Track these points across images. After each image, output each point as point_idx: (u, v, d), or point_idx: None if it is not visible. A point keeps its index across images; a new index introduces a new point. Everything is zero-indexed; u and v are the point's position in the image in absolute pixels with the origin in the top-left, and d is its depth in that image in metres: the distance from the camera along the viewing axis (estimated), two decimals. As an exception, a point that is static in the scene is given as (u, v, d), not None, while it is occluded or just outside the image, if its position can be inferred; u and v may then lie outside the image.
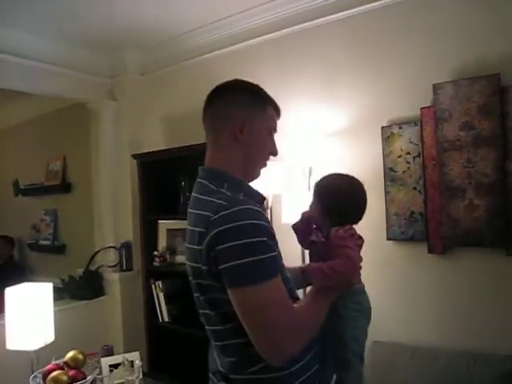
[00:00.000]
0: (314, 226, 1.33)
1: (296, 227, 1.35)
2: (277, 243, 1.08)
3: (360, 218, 1.30)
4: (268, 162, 1.25)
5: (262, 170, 1.24)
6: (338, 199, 1.28)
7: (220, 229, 0.98)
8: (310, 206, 1.34)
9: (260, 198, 1.19)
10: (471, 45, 2.05)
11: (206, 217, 1.03)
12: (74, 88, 3.29)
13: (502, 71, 1.93)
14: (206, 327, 1.16)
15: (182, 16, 2.73)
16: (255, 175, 1.24)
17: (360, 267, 1.22)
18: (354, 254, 1.18)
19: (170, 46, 3.14)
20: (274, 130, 1.24)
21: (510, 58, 1.94)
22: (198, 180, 1.18)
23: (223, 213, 1.00)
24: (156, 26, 2.86)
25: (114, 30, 2.89)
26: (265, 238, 1.00)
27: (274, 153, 1.25)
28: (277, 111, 1.25)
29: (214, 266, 1.00)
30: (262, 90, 1.24)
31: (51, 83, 3.15)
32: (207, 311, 1.11)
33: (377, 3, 2.29)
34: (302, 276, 1.24)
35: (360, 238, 1.25)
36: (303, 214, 1.33)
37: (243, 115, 1.15)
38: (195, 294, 1.15)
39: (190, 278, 1.14)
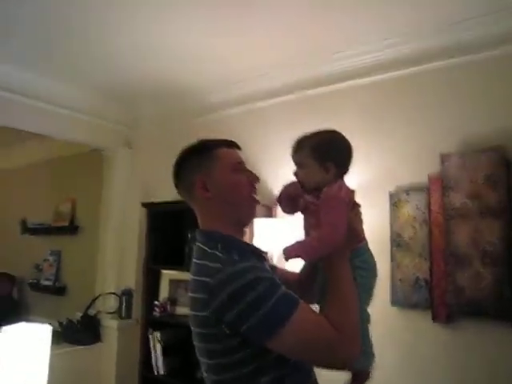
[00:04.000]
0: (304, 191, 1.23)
1: (284, 194, 1.26)
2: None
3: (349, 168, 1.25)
4: (259, 198, 1.24)
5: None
6: (335, 149, 1.22)
7: (223, 296, 0.99)
8: (299, 171, 1.23)
9: (257, 252, 1.19)
10: (478, 117, 2.12)
11: (205, 283, 1.04)
12: (89, 134, 3.39)
13: (507, 145, 1.99)
14: (204, 375, 1.17)
15: (200, 72, 2.83)
16: (248, 217, 1.23)
17: (361, 228, 1.19)
18: (339, 218, 1.09)
19: (187, 100, 3.24)
20: (239, 162, 1.22)
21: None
22: (196, 244, 1.19)
23: (220, 277, 1.01)
24: (176, 81, 2.96)
25: (134, 81, 3.00)
26: (267, 284, 1.01)
27: (254, 180, 1.23)
28: (230, 146, 1.25)
29: (229, 330, 1.01)
30: (206, 141, 1.24)
31: (67, 128, 3.25)
32: (205, 360, 1.12)
33: (391, 73, 2.40)
34: (301, 281, 1.23)
35: (355, 202, 1.18)
36: (296, 179, 1.24)
37: (199, 176, 1.17)
38: (195, 343, 1.15)
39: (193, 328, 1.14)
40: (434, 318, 2.12)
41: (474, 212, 2.03)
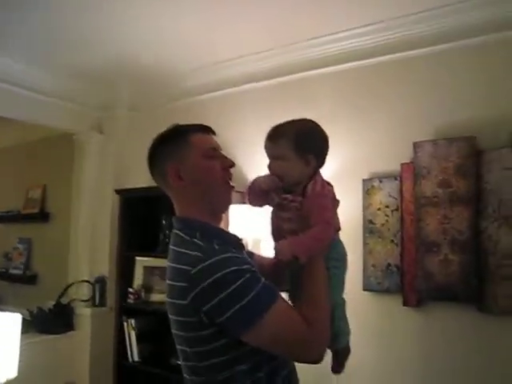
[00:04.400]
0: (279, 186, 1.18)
1: (256, 187, 1.21)
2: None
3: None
4: (235, 184, 1.22)
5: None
6: (315, 140, 1.17)
7: (204, 285, 0.99)
8: (275, 164, 1.17)
9: (235, 241, 1.19)
10: (452, 107, 2.16)
11: (185, 270, 1.03)
12: (60, 118, 3.30)
13: (478, 135, 2.04)
14: (182, 363, 1.16)
15: (177, 57, 2.80)
16: (223, 204, 1.22)
17: (338, 221, 1.19)
18: (331, 215, 1.11)
19: (162, 85, 3.20)
20: (212, 148, 1.19)
21: (486, 123, 2.06)
22: (173, 231, 1.18)
23: (201, 266, 1.01)
24: (150, 65, 2.91)
25: (107, 64, 2.93)
26: (248, 275, 1.01)
27: (227, 165, 1.20)
28: (204, 130, 1.22)
29: (207, 319, 1.01)
30: (179, 127, 1.22)
31: (37, 111, 3.16)
32: (184, 347, 1.11)
33: (367, 61, 2.41)
34: (276, 268, 1.20)
35: (335, 198, 1.18)
36: (272, 173, 1.17)
37: (172, 164, 1.16)
38: (173, 330, 1.15)
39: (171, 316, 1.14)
40: (405, 303, 2.17)
41: (444, 200, 2.08)
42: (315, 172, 1.17)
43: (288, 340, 1.03)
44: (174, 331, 1.14)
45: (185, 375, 1.17)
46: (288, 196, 1.15)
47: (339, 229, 1.21)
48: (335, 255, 1.18)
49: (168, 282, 1.12)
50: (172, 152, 1.17)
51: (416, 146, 2.17)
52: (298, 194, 1.14)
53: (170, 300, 1.11)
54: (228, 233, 1.22)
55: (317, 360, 1.06)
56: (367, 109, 2.42)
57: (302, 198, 1.13)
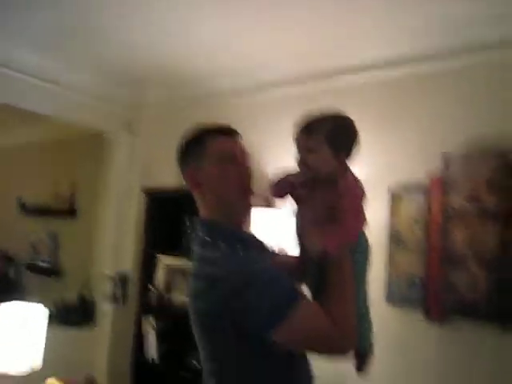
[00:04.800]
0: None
1: (286, 180, 1.19)
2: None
3: None
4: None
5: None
6: (349, 137, 1.17)
7: (229, 288, 1.00)
8: (309, 157, 1.13)
9: (258, 243, 1.19)
10: (484, 120, 2.12)
11: (209, 273, 1.05)
12: (92, 116, 3.37)
13: (510, 149, 1.99)
14: (203, 365, 1.16)
15: (207, 58, 2.81)
16: (240, 209, 1.21)
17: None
18: (361, 212, 1.11)
19: (192, 86, 3.21)
20: (228, 154, 1.17)
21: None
22: (196, 233, 1.19)
23: (225, 268, 1.02)
24: (181, 65, 2.93)
25: (141, 64, 2.97)
26: (272, 275, 1.03)
27: (244, 172, 1.19)
28: (226, 133, 1.21)
29: (231, 322, 1.02)
30: (200, 130, 1.21)
31: (70, 109, 3.23)
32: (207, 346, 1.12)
33: (397, 72, 2.39)
34: (300, 265, 1.19)
35: (363, 192, 1.14)
36: (303, 166, 1.14)
37: (191, 170, 1.19)
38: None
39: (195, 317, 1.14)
40: (427, 316, 2.13)
41: (473, 215, 2.04)
42: (346, 168, 1.15)
43: (315, 336, 1.04)
44: (196, 332, 1.14)
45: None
46: (318, 191, 1.13)
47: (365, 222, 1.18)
48: (358, 247, 1.16)
49: (192, 283, 1.12)
50: (190, 158, 1.20)
51: (445, 156, 2.14)
52: (327, 190, 1.12)
53: (194, 302, 1.11)
54: (250, 234, 1.23)
55: (343, 354, 1.08)
56: (399, 120, 2.39)
57: (332, 193, 1.10)
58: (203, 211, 1.20)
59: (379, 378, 2.13)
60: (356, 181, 1.14)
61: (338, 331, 1.02)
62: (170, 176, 3.43)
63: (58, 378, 2.17)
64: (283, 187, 1.20)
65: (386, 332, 2.24)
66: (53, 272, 4.31)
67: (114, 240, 3.46)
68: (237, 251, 1.08)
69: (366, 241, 1.21)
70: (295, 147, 1.16)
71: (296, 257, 1.25)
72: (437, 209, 2.15)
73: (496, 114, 2.10)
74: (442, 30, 2.19)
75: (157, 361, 2.90)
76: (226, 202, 1.17)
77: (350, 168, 1.17)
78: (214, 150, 1.17)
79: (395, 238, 2.27)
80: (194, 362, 2.65)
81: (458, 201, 2.09)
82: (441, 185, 2.14)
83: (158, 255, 3.09)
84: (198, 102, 3.26)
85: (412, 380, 2.17)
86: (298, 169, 1.17)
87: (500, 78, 2.12)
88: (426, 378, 2.14)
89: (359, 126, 2.37)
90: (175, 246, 2.97)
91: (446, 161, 2.14)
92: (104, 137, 3.62)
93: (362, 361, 1.22)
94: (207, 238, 1.13)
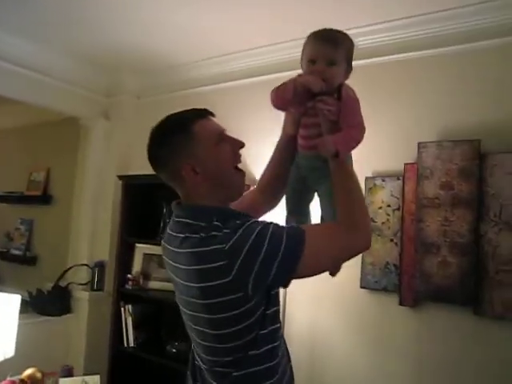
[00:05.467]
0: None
1: (305, 89, 1.10)
2: None
3: None
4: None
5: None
6: (352, 43, 1.19)
7: (242, 257, 1.01)
8: (329, 68, 1.11)
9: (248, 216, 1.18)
10: (458, 110, 2.16)
11: (218, 249, 1.03)
12: (67, 102, 3.31)
13: (483, 138, 2.03)
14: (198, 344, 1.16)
15: (184, 46, 2.81)
16: (238, 191, 1.22)
17: None
18: (362, 119, 1.15)
19: (169, 74, 3.21)
20: (219, 133, 1.17)
21: (491, 126, 2.05)
22: (179, 219, 1.16)
23: (233, 240, 1.02)
24: (158, 53, 2.93)
25: (116, 51, 2.94)
26: (272, 227, 1.05)
27: (238, 146, 1.20)
28: (207, 115, 1.19)
29: (253, 289, 1.02)
30: (178, 118, 1.19)
31: (45, 94, 3.17)
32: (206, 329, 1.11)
33: (372, 60, 2.39)
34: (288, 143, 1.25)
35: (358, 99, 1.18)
36: (322, 76, 1.10)
37: (187, 160, 1.13)
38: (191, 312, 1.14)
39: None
40: (401, 302, 2.18)
41: (446, 202, 2.08)
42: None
43: (336, 250, 1.11)
44: (194, 313, 1.13)
45: (199, 355, 1.17)
46: (326, 98, 1.10)
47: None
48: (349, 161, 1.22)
49: (196, 267, 1.07)
50: (181, 149, 1.14)
51: (420, 146, 2.17)
52: (330, 101, 1.11)
53: (203, 285, 1.06)
54: (239, 211, 1.19)
55: (366, 248, 1.15)
56: (373, 108, 2.39)
57: (336, 104, 1.11)
58: (191, 199, 1.17)
59: (355, 362, 2.18)
60: (354, 92, 1.17)
61: (351, 229, 1.10)
62: (145, 162, 3.39)
63: (38, 368, 2.14)
64: (299, 95, 1.12)
65: (360, 318, 2.29)
66: (27, 260, 4.24)
67: (90, 227, 3.42)
68: (236, 222, 1.07)
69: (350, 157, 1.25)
70: (313, 56, 1.13)
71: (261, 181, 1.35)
72: (411, 197, 2.19)
73: (470, 103, 2.13)
74: (417, 21, 2.21)
75: (134, 348, 2.90)
76: (226, 184, 1.17)
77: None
78: (204, 134, 1.15)
79: (371, 226, 2.29)
80: (172, 348, 2.66)
81: (432, 189, 2.13)
82: (415, 173, 2.18)
83: (134, 243, 3.07)
84: (174, 89, 3.24)
85: (387, 364, 2.22)
86: (309, 78, 1.11)
87: (473, 68, 2.15)
88: (400, 362, 2.19)
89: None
90: (152, 233, 2.95)
91: (421, 149, 2.17)
92: (80, 123, 3.55)
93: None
94: (201, 223, 1.10)
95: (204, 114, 1.19)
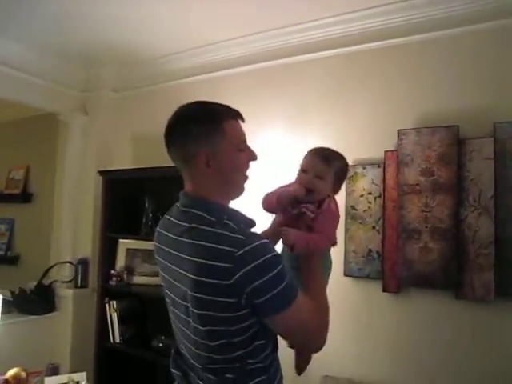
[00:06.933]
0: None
1: (290, 198, 1.31)
2: None
3: None
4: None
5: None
6: (345, 178, 1.41)
7: (249, 267, 1.02)
8: (317, 182, 1.30)
9: (253, 225, 1.20)
10: (436, 96, 2.17)
11: (229, 252, 1.04)
12: (44, 98, 3.25)
13: (461, 124, 2.05)
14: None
15: (162, 39, 2.78)
16: (240, 193, 1.24)
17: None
18: (334, 233, 1.32)
19: (147, 67, 3.17)
20: (243, 140, 1.20)
21: (469, 112, 2.07)
22: (187, 209, 1.16)
23: (246, 249, 1.04)
24: (135, 46, 2.89)
25: (92, 44, 2.90)
26: (282, 264, 1.07)
27: (252, 159, 1.24)
28: (238, 118, 1.21)
29: (246, 300, 1.04)
30: (212, 108, 1.20)
31: (21, 90, 3.10)
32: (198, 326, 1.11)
33: (349, 48, 2.40)
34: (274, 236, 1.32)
35: (339, 216, 1.36)
36: (308, 187, 1.30)
37: (204, 150, 1.14)
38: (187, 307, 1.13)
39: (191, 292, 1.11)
40: (385, 289, 2.20)
41: (427, 188, 2.10)
42: (333, 196, 1.36)
43: (307, 327, 1.15)
44: (185, 303, 1.12)
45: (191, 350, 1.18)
46: (308, 206, 1.28)
47: (335, 243, 1.37)
48: (328, 264, 1.39)
49: (200, 260, 1.07)
50: (205, 136, 1.14)
51: (400, 133, 2.19)
52: (311, 207, 1.29)
53: (205, 280, 1.06)
54: (248, 217, 1.20)
55: (321, 347, 1.20)
56: (352, 96, 2.41)
57: (315, 210, 1.28)
58: (199, 189, 1.17)
59: (340, 348, 2.20)
60: (337, 207, 1.33)
61: (322, 324, 1.18)
62: (125, 157, 3.38)
63: (22, 367, 2.12)
64: (275, 205, 1.34)
65: (344, 305, 2.31)
66: (9, 259, 4.17)
67: (72, 224, 3.37)
68: (251, 232, 1.11)
69: (331, 262, 1.42)
70: (305, 167, 1.33)
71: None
72: (392, 184, 2.21)
73: (449, 89, 2.15)
74: (394, 8, 2.21)
75: (120, 343, 2.88)
76: (232, 185, 1.21)
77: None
78: (231, 135, 1.16)
79: (352, 214, 2.31)
80: (159, 343, 2.66)
81: (412, 176, 2.14)
82: (395, 160, 2.19)
83: (117, 238, 3.05)
84: (152, 82, 3.21)
85: (372, 350, 2.25)
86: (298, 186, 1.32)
87: (450, 55, 2.17)
88: (385, 348, 2.22)
89: (315, 103, 2.40)
90: (135, 228, 2.93)
91: (401, 136, 2.18)
92: (58, 119, 3.49)
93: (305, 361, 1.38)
94: (211, 218, 1.11)
95: (236, 115, 1.21)
